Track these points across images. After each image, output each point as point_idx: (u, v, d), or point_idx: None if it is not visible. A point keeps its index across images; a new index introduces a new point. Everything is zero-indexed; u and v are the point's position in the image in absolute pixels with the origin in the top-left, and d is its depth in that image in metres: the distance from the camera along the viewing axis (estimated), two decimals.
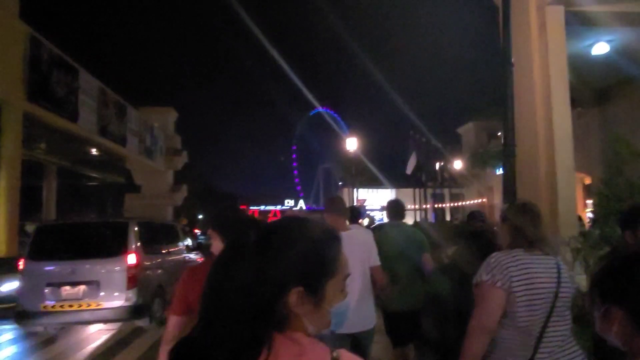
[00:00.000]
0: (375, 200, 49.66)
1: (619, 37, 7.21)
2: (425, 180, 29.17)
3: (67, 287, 6.53)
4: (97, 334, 7.17)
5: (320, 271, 0.84)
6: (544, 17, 5.43)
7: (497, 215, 2.47)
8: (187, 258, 10.07)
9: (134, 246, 6.91)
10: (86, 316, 6.62)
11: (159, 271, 7.92)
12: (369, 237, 3.43)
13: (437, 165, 32.22)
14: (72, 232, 7.37)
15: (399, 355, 4.17)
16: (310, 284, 0.82)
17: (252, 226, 0.92)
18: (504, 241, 2.07)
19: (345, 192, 44.21)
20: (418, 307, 4.07)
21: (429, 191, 32.80)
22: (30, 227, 27.28)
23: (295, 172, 68.41)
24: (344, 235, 3.07)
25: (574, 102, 6.10)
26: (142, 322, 7.12)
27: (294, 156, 68.32)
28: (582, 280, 3.70)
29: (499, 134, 34.37)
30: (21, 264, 6.79)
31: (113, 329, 7.39)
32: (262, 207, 56.89)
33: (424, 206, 30.67)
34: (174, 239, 9.84)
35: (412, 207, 31.08)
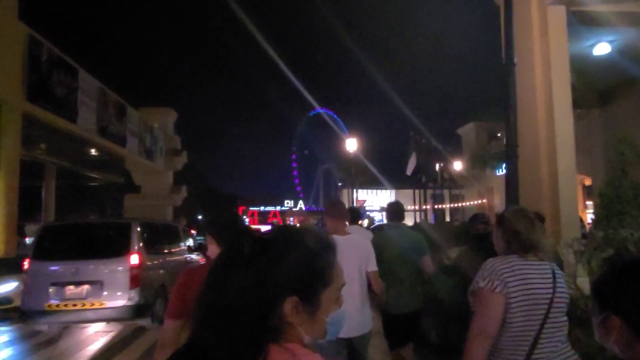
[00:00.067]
0: (375, 201, 49.65)
1: (620, 37, 7.17)
2: (425, 181, 29.12)
3: (71, 287, 6.62)
4: (95, 336, 7.13)
5: (316, 281, 0.84)
6: (545, 17, 5.40)
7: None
8: (188, 258, 10.13)
9: (136, 247, 6.99)
10: (90, 315, 6.71)
11: (161, 271, 7.97)
12: (368, 242, 3.45)
13: (437, 166, 32.18)
14: (75, 233, 7.47)
15: (396, 357, 4.17)
16: (306, 294, 0.82)
17: (246, 234, 0.88)
18: (498, 247, 2.07)
19: (344, 192, 44.20)
20: (417, 309, 4.07)
21: (429, 192, 32.76)
22: (29, 229, 27.35)
23: (295, 173, 68.41)
24: (343, 240, 3.07)
25: (575, 103, 6.07)
26: (144, 322, 7.19)
27: (293, 157, 68.34)
28: (585, 283, 3.67)
29: (499, 135, 34.37)
30: (26, 263, 6.88)
31: (112, 330, 7.35)
32: (262, 208, 56.85)
33: (424, 207, 30.62)
34: (176, 239, 9.89)
35: (412, 208, 31.04)
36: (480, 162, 33.04)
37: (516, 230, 1.97)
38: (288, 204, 61.03)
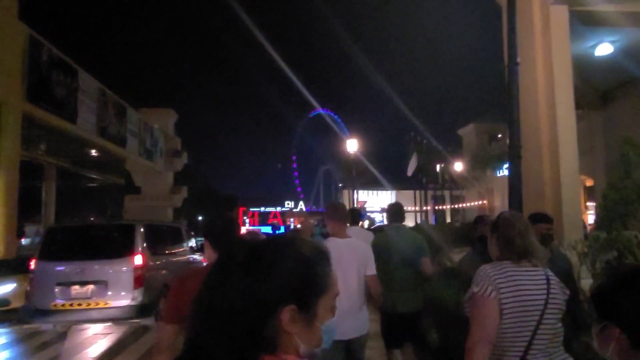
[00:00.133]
0: (375, 202, 49.62)
1: (622, 37, 7.14)
2: (425, 182, 29.11)
3: (77, 287, 6.77)
4: (94, 338, 7.10)
5: (313, 289, 0.84)
6: (547, 16, 5.37)
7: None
8: (191, 259, 10.24)
9: (140, 247, 7.14)
10: (94, 315, 6.85)
11: (164, 271, 8.09)
12: (367, 246, 3.48)
13: (438, 167, 32.17)
14: (80, 234, 7.63)
15: (392, 357, 4.20)
16: (303, 302, 0.82)
17: (241, 242, 0.87)
18: (493, 253, 2.07)
19: (345, 193, 44.18)
20: (417, 309, 4.06)
21: (430, 193, 32.74)
22: (29, 229, 27.26)
23: (296, 174, 68.37)
24: (343, 243, 3.06)
25: (576, 104, 6.03)
26: (148, 321, 7.25)
27: (294, 157, 68.33)
28: (589, 285, 3.63)
29: (500, 136, 34.38)
30: (32, 263, 7.03)
31: (111, 332, 7.33)
32: (262, 209, 56.82)
33: (425, 208, 30.60)
34: (179, 240, 10.01)
35: (413, 209, 31.02)
36: (480, 163, 33.03)
37: (510, 236, 1.97)
38: (288, 204, 61.01)
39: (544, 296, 1.87)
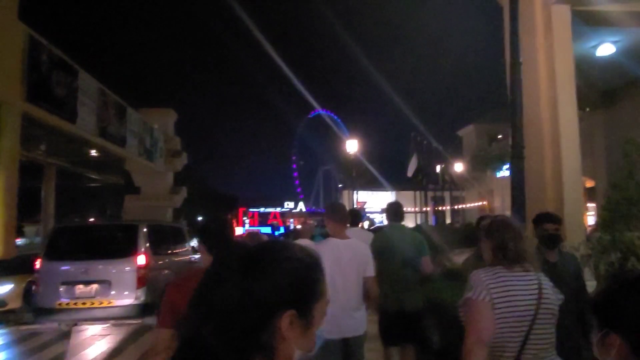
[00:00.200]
0: (375, 202, 49.57)
1: (624, 37, 7.11)
2: (425, 182, 29.06)
3: (81, 286, 6.90)
4: (92, 339, 7.07)
5: (312, 294, 0.84)
6: (549, 16, 5.34)
7: None
8: (192, 259, 10.32)
9: (143, 248, 7.29)
10: (98, 313, 6.99)
11: (167, 271, 8.17)
12: (367, 247, 3.49)
13: (438, 168, 32.12)
14: (85, 234, 7.80)
15: (390, 355, 4.24)
16: (301, 307, 0.82)
17: (237, 246, 0.85)
18: (486, 257, 2.09)
19: (345, 194, 44.15)
20: (416, 308, 4.06)
21: (430, 194, 32.68)
22: (29, 229, 27.16)
23: (296, 174, 68.37)
24: (342, 243, 3.07)
25: (577, 105, 6.01)
26: (150, 320, 7.29)
27: (294, 158, 68.30)
28: (592, 287, 3.60)
29: (500, 136, 34.35)
30: (37, 263, 7.19)
31: (109, 334, 7.28)
32: (262, 209, 56.79)
33: (424, 209, 30.56)
34: (181, 240, 10.10)
35: (413, 209, 30.97)
36: (480, 163, 33.00)
37: (502, 242, 1.99)
38: (288, 205, 60.97)
39: (536, 301, 1.88)
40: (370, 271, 3.32)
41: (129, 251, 7.16)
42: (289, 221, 47.80)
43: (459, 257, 4.54)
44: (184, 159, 27.76)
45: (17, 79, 12.03)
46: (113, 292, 6.94)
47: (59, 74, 13.79)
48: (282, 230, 31.82)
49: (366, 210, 43.48)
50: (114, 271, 7.08)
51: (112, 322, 7.57)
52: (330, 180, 64.25)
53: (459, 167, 33.01)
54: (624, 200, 4.00)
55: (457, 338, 2.39)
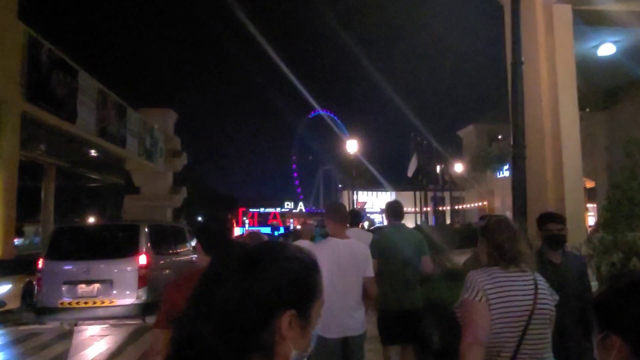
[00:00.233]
0: (375, 202, 49.56)
1: (626, 37, 7.09)
2: (425, 183, 29.05)
3: (83, 285, 6.97)
4: (90, 340, 7.06)
5: (310, 294, 0.85)
6: (550, 16, 5.31)
7: None
8: (193, 258, 10.28)
9: (144, 247, 7.36)
10: (100, 313, 7.06)
11: (168, 271, 8.21)
12: (366, 247, 3.50)
13: (438, 168, 32.11)
14: (87, 234, 7.88)
15: (389, 354, 4.27)
16: (301, 307, 0.82)
17: (235, 246, 0.85)
18: (482, 258, 2.10)
19: (345, 194, 44.12)
20: (416, 307, 4.09)
21: (430, 194, 32.66)
22: (28, 229, 27.10)
23: (295, 175, 68.37)
24: (342, 243, 3.08)
25: (578, 105, 5.98)
26: (151, 320, 7.32)
27: (293, 158, 68.30)
28: (594, 288, 3.58)
29: (500, 137, 34.34)
30: (40, 263, 7.25)
31: (108, 334, 7.29)
32: (262, 209, 56.77)
33: (425, 209, 30.54)
34: (182, 240, 10.16)
35: (413, 210, 30.95)
36: (480, 164, 33.00)
37: (499, 242, 1.99)
38: (288, 205, 60.97)
39: (531, 301, 1.89)
40: (370, 271, 3.33)
41: (130, 251, 7.22)
42: (288, 221, 47.80)
43: (459, 258, 4.52)
44: (184, 159, 27.73)
45: (17, 79, 12.01)
46: (115, 292, 7.00)
47: (58, 73, 13.77)
48: (282, 230, 31.80)
49: (366, 210, 43.46)
50: (115, 271, 7.14)
51: (114, 321, 7.64)
52: (330, 180, 64.27)
53: (459, 167, 33.00)
54: (626, 200, 3.98)
55: (457, 338, 2.39)
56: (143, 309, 7.08)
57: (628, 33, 6.80)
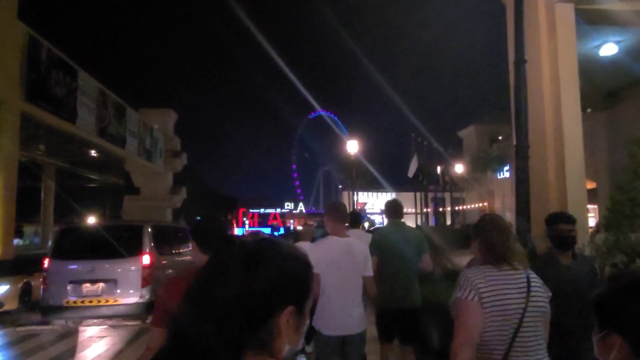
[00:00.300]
0: (375, 203, 49.51)
1: (628, 37, 7.04)
2: (426, 184, 28.99)
3: (88, 285, 7.12)
4: (89, 341, 7.02)
5: (306, 290, 0.87)
6: (553, 15, 5.27)
7: None
8: None
9: (148, 247, 7.50)
10: (104, 311, 7.20)
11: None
12: (366, 246, 3.53)
13: (439, 169, 32.05)
14: (91, 234, 7.98)
15: (387, 348, 4.28)
16: (299, 303, 0.84)
17: (231, 241, 0.83)
18: (475, 256, 2.14)
19: (345, 195, 44.08)
20: (415, 305, 4.10)
21: (430, 195, 32.60)
22: (28, 229, 27.04)
23: (295, 175, 68.38)
24: (342, 242, 3.07)
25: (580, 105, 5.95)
26: None
27: (293, 158, 68.29)
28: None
29: (500, 137, 34.30)
30: (46, 262, 7.41)
31: (106, 335, 7.25)
32: (262, 210, 56.76)
33: (425, 210, 30.49)
34: (183, 240, 10.26)
35: (413, 210, 30.89)
36: (481, 164, 32.95)
37: (491, 241, 2.01)
38: (288, 206, 60.93)
39: (524, 298, 1.90)
40: (369, 271, 3.35)
41: (134, 251, 7.33)
42: (289, 222, 47.78)
43: (460, 258, 4.51)
44: (184, 159, 27.71)
45: (16, 79, 11.98)
46: (119, 291, 7.12)
47: (58, 73, 13.74)
48: (282, 231, 31.77)
49: (366, 211, 43.42)
50: (119, 270, 7.26)
51: (116, 321, 7.77)
52: (331, 181, 64.25)
53: (459, 168, 32.96)
54: (628, 201, 3.94)
55: None
56: (146, 308, 7.15)
57: (630, 33, 6.76)
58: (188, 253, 10.05)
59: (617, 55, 7.43)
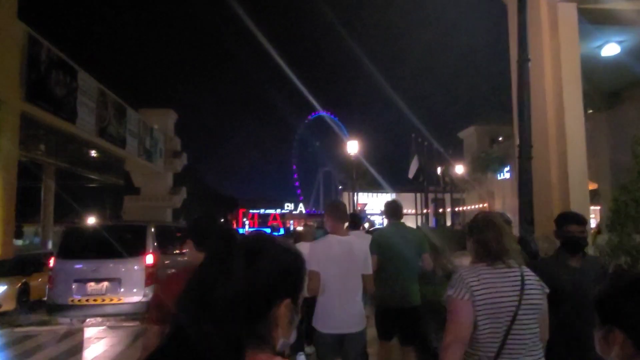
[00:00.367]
0: (375, 204, 49.48)
1: (630, 37, 7.00)
2: (426, 184, 28.97)
3: (92, 283, 7.28)
4: (87, 342, 7.02)
5: (300, 283, 0.89)
6: (555, 14, 5.24)
7: None
8: None
9: (151, 247, 7.64)
10: (108, 310, 7.35)
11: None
12: (366, 245, 3.55)
13: (439, 170, 32.03)
14: (96, 234, 8.15)
15: (385, 347, 4.29)
16: (294, 296, 0.86)
17: (228, 237, 0.84)
18: (471, 255, 2.12)
19: (345, 195, 44.05)
20: (414, 304, 4.09)
21: (430, 196, 32.58)
22: (28, 229, 27.03)
23: (295, 176, 68.39)
24: (344, 240, 3.06)
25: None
26: None
27: (293, 159, 68.30)
28: None
29: (501, 138, 34.27)
30: (51, 262, 7.60)
31: (105, 336, 7.25)
32: (262, 211, 56.74)
33: (425, 211, 30.46)
34: (185, 240, 10.16)
35: (413, 211, 30.87)
36: (481, 165, 32.93)
37: (485, 239, 2.02)
38: (288, 206, 60.91)
39: (517, 295, 1.90)
40: (369, 269, 3.35)
41: (138, 251, 7.48)
42: (289, 223, 47.77)
43: (460, 260, 4.49)
44: (184, 159, 27.70)
45: (16, 78, 11.96)
46: (122, 290, 7.26)
47: (58, 73, 13.72)
48: (282, 231, 31.75)
49: (366, 212, 43.38)
50: (123, 270, 7.40)
51: (118, 320, 7.94)
52: (331, 181, 64.22)
53: (459, 169, 32.94)
54: (632, 201, 3.91)
55: None
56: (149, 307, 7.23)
57: (633, 33, 6.72)
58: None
59: (619, 55, 7.40)
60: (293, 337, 0.88)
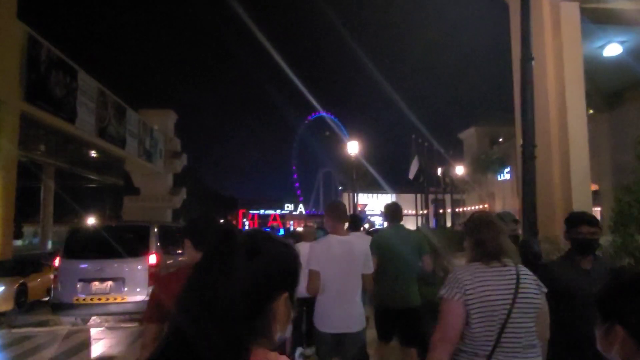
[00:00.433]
0: (375, 205, 49.46)
1: (632, 38, 6.97)
2: (426, 185, 28.95)
3: (96, 283, 7.39)
4: (84, 343, 6.98)
5: (297, 277, 0.90)
6: (558, 13, 5.20)
7: None
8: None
9: (154, 247, 7.75)
10: (112, 309, 7.45)
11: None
12: (366, 245, 3.53)
13: (439, 171, 32.01)
14: (100, 234, 8.25)
15: (385, 348, 4.29)
16: (292, 290, 0.87)
17: (226, 234, 0.90)
18: (467, 254, 2.12)
19: (345, 196, 44.03)
20: (414, 305, 4.08)
21: (430, 197, 32.55)
22: (27, 229, 26.97)
23: (295, 176, 68.38)
24: (344, 240, 3.03)
25: None
26: None
27: (293, 160, 68.29)
28: None
29: (501, 139, 34.27)
30: (56, 261, 7.64)
31: (103, 337, 7.24)
32: (262, 211, 56.72)
33: (425, 211, 30.44)
34: None
35: (413, 212, 30.85)
36: (481, 166, 32.94)
37: (481, 238, 2.02)
38: (288, 207, 60.90)
39: (512, 294, 1.90)
40: (369, 268, 3.34)
41: (141, 251, 7.60)
42: (288, 223, 47.75)
43: (460, 260, 4.44)
44: (184, 160, 27.69)
45: (16, 79, 11.94)
46: (126, 289, 7.38)
47: (58, 73, 13.70)
48: (282, 232, 31.73)
49: (366, 212, 43.36)
50: (127, 269, 7.53)
51: (118, 321, 8.06)
52: (331, 182, 64.22)
53: (459, 169, 32.93)
54: (635, 203, 3.88)
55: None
56: None
57: (635, 33, 6.69)
58: None
59: (621, 55, 7.36)
60: (289, 331, 0.89)
